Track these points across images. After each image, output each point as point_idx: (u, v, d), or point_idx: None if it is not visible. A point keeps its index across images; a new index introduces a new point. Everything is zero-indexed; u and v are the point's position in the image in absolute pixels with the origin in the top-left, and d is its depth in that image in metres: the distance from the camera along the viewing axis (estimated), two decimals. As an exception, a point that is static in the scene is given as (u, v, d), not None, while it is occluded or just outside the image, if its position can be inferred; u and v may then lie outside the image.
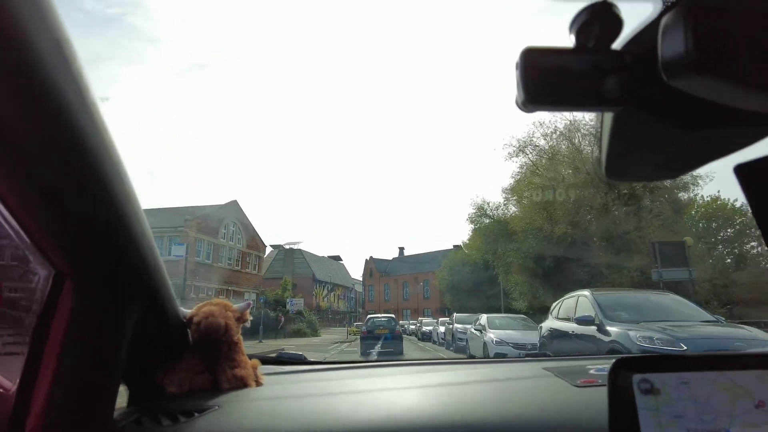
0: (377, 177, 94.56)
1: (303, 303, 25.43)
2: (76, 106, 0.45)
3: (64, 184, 0.50)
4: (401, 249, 64.88)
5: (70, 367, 0.61)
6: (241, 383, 0.84)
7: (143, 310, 0.71)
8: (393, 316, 15.18)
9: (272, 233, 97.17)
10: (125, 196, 0.56)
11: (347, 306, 75.69)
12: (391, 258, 64.74)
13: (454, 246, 42.54)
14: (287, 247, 67.05)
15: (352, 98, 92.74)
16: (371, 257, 63.26)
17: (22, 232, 0.54)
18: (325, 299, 68.96)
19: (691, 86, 0.28)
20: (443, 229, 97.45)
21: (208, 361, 0.85)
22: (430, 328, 21.89)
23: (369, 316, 14.91)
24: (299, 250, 66.34)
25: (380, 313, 17.96)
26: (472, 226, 26.14)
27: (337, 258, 78.13)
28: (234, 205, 32.67)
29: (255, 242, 34.80)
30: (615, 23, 0.33)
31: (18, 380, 0.59)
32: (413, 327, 30.62)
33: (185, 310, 0.86)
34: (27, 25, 0.38)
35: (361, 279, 64.96)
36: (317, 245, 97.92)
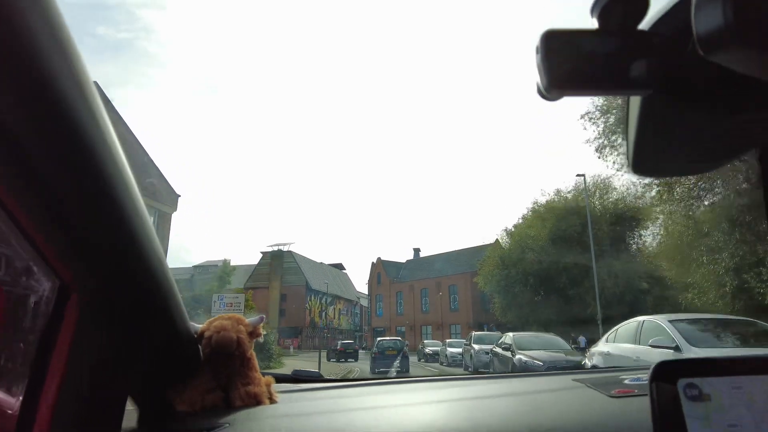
0: (384, 169, 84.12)
1: (244, 301, 13.41)
2: (82, 114, 0.44)
3: (69, 194, 0.49)
4: (416, 250, 52.37)
5: (76, 385, 0.59)
6: (255, 400, 0.81)
7: (153, 325, 0.69)
8: (400, 338, 18.73)
9: (265, 239, 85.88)
10: (133, 208, 0.54)
11: (351, 323, 62.90)
12: (404, 260, 52.17)
13: (486, 245, 30.75)
14: (275, 248, 53.84)
15: (355, 85, 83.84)
16: (379, 259, 50.75)
17: (26, 242, 0.52)
18: (322, 314, 55.62)
19: (729, 60, 0.26)
20: (468, 227, 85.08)
21: (220, 378, 0.82)
22: (546, 356, 8.50)
23: (378, 339, 17.24)
24: (290, 252, 53.72)
25: (389, 336, 22.98)
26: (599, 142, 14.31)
27: (340, 266, 65.67)
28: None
29: (150, 184, 19.54)
30: (641, 3, 0.32)
31: (21, 398, 0.57)
32: (454, 351, 18.11)
33: (196, 325, 0.83)
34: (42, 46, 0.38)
35: (366, 291, 52.39)
36: (316, 254, 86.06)
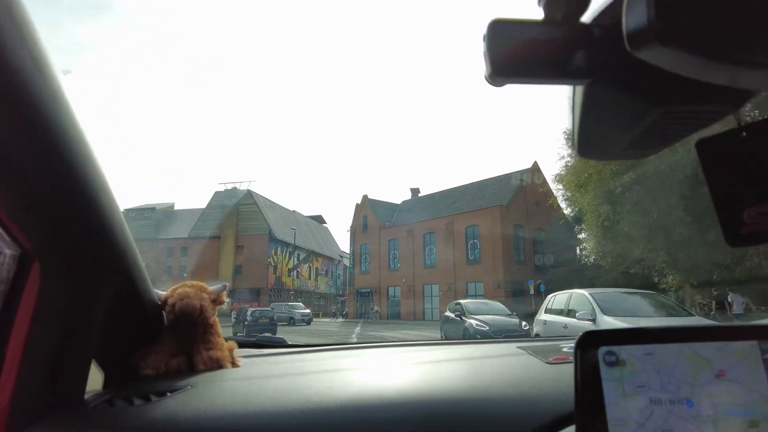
0: (370, 99, 71.79)
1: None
2: (34, 75, 0.45)
3: (24, 158, 0.50)
4: (415, 190, 38.39)
5: (38, 349, 0.60)
6: (217, 365, 0.84)
7: (115, 291, 0.71)
8: (270, 309, 21.17)
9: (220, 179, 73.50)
10: (92, 172, 0.55)
11: (331, 286, 51.00)
12: (400, 201, 40.42)
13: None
14: (230, 186, 40.31)
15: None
16: (365, 198, 36.36)
17: None
18: (293, 273, 42.95)
19: (654, 57, 0.28)
20: (483, 160, 72.33)
21: (184, 344, 0.85)
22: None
23: (251, 309, 18.13)
24: (249, 192, 40.58)
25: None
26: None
27: (319, 219, 53.06)
28: None
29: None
30: None
31: None
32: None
33: (160, 292, 0.86)
34: None
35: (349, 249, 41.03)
36: (292, 206, 74.37)
